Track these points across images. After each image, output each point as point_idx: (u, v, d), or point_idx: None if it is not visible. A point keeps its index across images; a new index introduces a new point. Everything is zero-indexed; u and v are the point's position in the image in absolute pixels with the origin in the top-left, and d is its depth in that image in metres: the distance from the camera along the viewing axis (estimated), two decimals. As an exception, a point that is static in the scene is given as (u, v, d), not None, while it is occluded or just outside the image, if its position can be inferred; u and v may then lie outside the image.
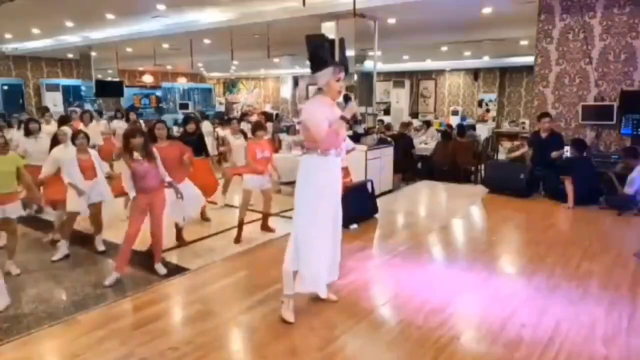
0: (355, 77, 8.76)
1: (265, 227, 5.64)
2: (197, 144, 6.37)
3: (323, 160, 2.95)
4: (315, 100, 3.01)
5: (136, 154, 4.26)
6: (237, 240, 5.26)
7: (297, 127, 5.63)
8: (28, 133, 6.31)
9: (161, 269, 4.41)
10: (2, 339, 3.05)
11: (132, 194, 4.28)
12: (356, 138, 8.07)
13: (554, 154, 6.26)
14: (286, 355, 2.70)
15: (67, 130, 5.83)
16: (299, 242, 3.01)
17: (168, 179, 4.49)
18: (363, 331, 2.92)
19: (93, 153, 5.22)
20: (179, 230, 5.28)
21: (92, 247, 5.16)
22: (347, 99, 3.03)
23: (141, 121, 10.65)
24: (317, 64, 2.98)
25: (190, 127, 6.40)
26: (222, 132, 12.26)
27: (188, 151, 5.20)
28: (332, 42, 8.48)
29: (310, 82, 20.95)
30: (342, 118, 2.93)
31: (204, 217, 6.28)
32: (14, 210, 4.38)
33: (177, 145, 5.15)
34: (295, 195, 3.05)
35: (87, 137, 5.12)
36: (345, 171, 6.05)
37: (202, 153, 6.38)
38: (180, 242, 5.28)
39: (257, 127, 5.57)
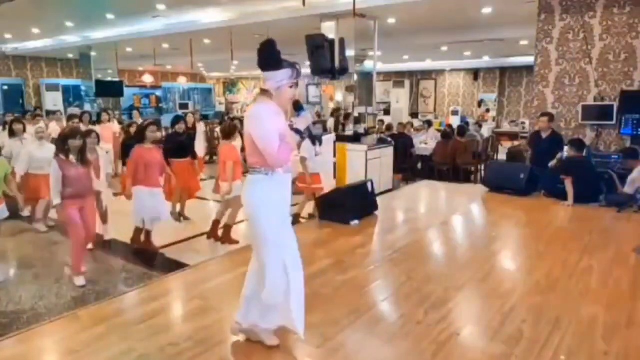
0: (355, 77, 8.76)
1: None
2: (185, 144, 6.38)
3: (272, 179, 2.48)
4: (262, 108, 2.47)
5: (72, 157, 4.18)
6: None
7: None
8: (12, 134, 6.35)
9: (79, 281, 4.27)
10: (2, 334, 3.05)
11: (56, 200, 4.13)
12: (356, 138, 8.10)
13: (552, 164, 6.26)
14: (286, 351, 2.69)
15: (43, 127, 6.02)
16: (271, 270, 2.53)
17: (98, 188, 4.48)
18: (363, 327, 2.92)
19: (101, 153, 5.26)
20: (147, 233, 5.14)
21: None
22: (299, 107, 2.71)
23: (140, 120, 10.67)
24: (269, 62, 2.51)
25: (180, 127, 6.39)
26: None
27: (165, 166, 5.21)
28: (332, 42, 8.56)
29: (310, 82, 20.98)
30: (295, 130, 2.57)
31: (184, 217, 6.41)
32: (1, 212, 4.43)
33: (158, 151, 5.10)
34: (252, 226, 2.56)
35: (98, 136, 5.22)
36: (317, 178, 6.03)
37: (189, 154, 6.37)
38: (149, 246, 5.14)
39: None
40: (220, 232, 5.46)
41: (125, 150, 5.91)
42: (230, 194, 5.22)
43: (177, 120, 6.57)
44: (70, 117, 8.93)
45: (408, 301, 3.27)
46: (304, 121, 2.63)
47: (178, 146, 6.19)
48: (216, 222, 5.48)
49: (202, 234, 5.72)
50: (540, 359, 2.54)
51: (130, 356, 2.63)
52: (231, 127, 5.65)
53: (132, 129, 6.40)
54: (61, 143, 4.17)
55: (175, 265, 4.67)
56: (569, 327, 2.86)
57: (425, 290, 3.44)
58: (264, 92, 2.53)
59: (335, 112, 11.57)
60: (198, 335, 2.83)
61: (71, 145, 4.15)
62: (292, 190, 2.68)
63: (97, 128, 8.11)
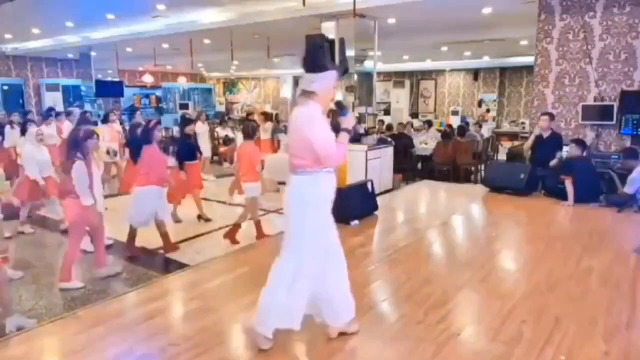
0: (355, 77, 8.77)
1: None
2: (195, 146, 6.40)
3: (321, 179, 2.54)
4: (314, 110, 2.49)
5: (87, 158, 4.16)
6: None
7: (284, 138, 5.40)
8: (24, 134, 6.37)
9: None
10: (2, 335, 3.06)
11: (90, 201, 4.10)
12: (356, 138, 8.09)
13: (552, 163, 6.27)
14: (286, 352, 2.69)
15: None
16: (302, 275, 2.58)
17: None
18: (363, 327, 2.91)
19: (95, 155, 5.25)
20: (165, 234, 5.11)
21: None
22: (342, 107, 2.70)
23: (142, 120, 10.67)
24: (317, 64, 2.53)
25: (190, 128, 6.41)
26: (222, 131, 12.34)
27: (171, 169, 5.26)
28: (332, 42, 8.50)
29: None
30: (346, 130, 2.59)
31: (205, 218, 6.32)
32: None
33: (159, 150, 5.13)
34: (292, 226, 2.59)
35: (97, 137, 5.21)
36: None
37: (196, 156, 6.38)
38: (171, 245, 5.12)
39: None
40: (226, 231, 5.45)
41: (132, 150, 5.94)
42: (258, 194, 5.25)
43: (187, 122, 6.55)
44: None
45: (408, 301, 3.27)
46: (351, 121, 2.65)
47: (190, 148, 6.24)
48: (258, 223, 5.41)
49: (202, 234, 5.73)
50: (540, 359, 2.54)
51: (130, 356, 2.63)
52: (253, 127, 5.64)
53: (138, 130, 6.40)
54: (79, 144, 4.12)
55: (175, 265, 4.67)
56: (569, 327, 2.86)
57: (425, 291, 3.44)
58: (309, 93, 2.52)
59: (331, 113, 11.55)
60: (198, 335, 2.83)
61: (89, 145, 4.18)
62: None
63: (105, 127, 8.15)
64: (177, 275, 4.04)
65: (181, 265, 4.61)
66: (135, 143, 5.81)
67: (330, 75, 2.53)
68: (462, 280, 3.67)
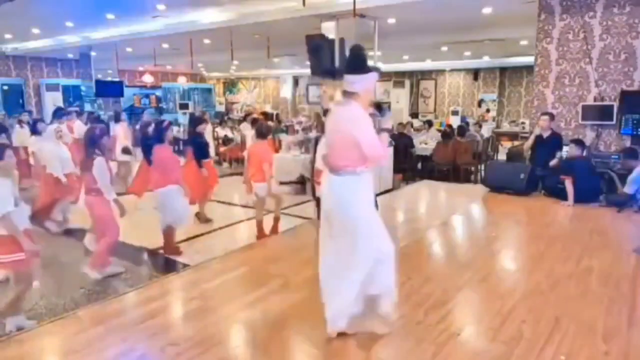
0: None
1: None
2: (207, 145, 6.52)
3: (364, 178, 2.62)
4: (360, 111, 2.56)
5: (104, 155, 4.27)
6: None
7: (321, 138, 5.47)
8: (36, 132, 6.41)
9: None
10: (2, 335, 3.06)
11: (113, 195, 4.25)
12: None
13: (552, 163, 6.27)
14: (285, 351, 2.70)
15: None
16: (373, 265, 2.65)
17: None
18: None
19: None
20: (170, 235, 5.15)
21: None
22: (381, 107, 2.76)
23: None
24: (360, 66, 2.62)
25: (202, 127, 6.49)
26: (221, 131, 12.35)
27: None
28: (332, 42, 8.54)
29: (310, 82, 20.97)
30: (387, 130, 2.67)
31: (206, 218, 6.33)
32: None
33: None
34: (350, 222, 2.63)
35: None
36: None
37: (209, 154, 6.52)
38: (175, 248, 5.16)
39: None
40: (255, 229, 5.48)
41: (144, 149, 5.98)
42: (265, 194, 5.33)
43: (199, 121, 6.62)
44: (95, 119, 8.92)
45: (408, 301, 3.26)
46: (389, 121, 2.75)
47: (204, 146, 6.33)
48: (260, 223, 5.46)
49: (202, 234, 5.73)
50: (540, 359, 2.54)
51: (130, 356, 2.64)
52: (267, 127, 5.73)
53: (149, 129, 6.43)
54: (97, 141, 4.24)
55: (175, 265, 4.67)
56: (569, 328, 2.86)
57: (425, 291, 3.44)
58: (351, 94, 2.60)
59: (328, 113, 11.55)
60: (198, 335, 2.83)
61: (106, 143, 4.30)
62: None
63: (117, 126, 8.16)
64: (177, 275, 4.04)
65: (181, 265, 4.62)
66: (147, 142, 5.87)
67: (372, 76, 2.64)
68: (462, 280, 3.67)
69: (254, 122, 9.47)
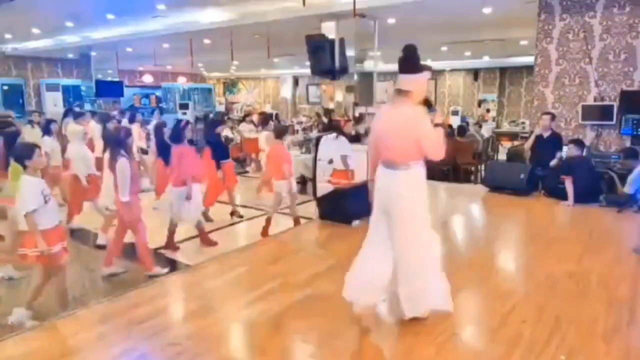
0: (355, 77, 8.76)
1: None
2: (226, 146, 6.75)
3: (423, 171, 2.76)
4: (419, 108, 2.69)
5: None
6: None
7: (322, 138, 5.72)
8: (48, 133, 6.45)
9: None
10: (2, 335, 3.05)
11: (126, 197, 4.25)
12: (357, 138, 8.09)
13: (553, 163, 6.27)
14: (285, 351, 2.70)
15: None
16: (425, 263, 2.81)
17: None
18: (363, 327, 2.92)
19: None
20: (202, 229, 5.34)
21: (93, 243, 5.23)
22: (430, 104, 2.85)
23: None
24: (415, 66, 2.73)
25: (221, 128, 6.72)
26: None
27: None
28: (332, 42, 8.53)
29: (310, 82, 20.97)
30: (441, 125, 2.77)
31: (238, 215, 6.50)
32: None
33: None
34: (414, 214, 2.77)
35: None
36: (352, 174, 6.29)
37: (229, 155, 6.68)
38: (210, 242, 5.31)
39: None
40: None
41: (162, 150, 6.05)
42: (286, 192, 5.51)
43: (218, 122, 6.91)
44: (107, 118, 8.88)
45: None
46: (440, 116, 2.85)
47: (224, 147, 6.52)
48: (270, 220, 5.61)
49: (208, 233, 5.73)
50: (540, 359, 2.54)
51: (130, 356, 2.63)
52: (284, 128, 6.01)
53: (164, 129, 6.49)
54: (121, 142, 4.33)
55: (175, 265, 4.67)
56: (569, 327, 2.86)
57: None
58: (404, 93, 2.71)
59: (328, 113, 11.59)
60: (198, 335, 2.83)
61: (129, 144, 4.38)
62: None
63: (133, 127, 8.18)
64: (177, 275, 4.04)
65: (181, 265, 4.62)
66: (163, 142, 5.94)
67: (425, 75, 2.76)
68: (462, 280, 3.66)
69: (264, 121, 9.49)
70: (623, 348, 2.64)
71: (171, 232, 5.11)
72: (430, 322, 2.95)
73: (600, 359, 2.56)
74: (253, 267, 4.05)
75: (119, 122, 8.62)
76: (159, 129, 6.58)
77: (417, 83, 2.72)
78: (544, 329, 2.84)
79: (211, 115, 11.74)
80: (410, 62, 2.73)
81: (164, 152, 5.69)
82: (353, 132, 8.19)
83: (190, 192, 4.91)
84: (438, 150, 2.67)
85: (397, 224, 2.76)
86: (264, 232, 5.42)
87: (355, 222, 5.18)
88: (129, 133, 4.59)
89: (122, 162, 4.22)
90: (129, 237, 5.13)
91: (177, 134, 5.10)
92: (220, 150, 6.33)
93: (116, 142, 4.34)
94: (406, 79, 2.72)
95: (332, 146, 5.65)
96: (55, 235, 3.49)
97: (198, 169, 5.15)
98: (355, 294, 2.89)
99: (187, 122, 5.29)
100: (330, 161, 6.28)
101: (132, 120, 8.84)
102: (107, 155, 4.42)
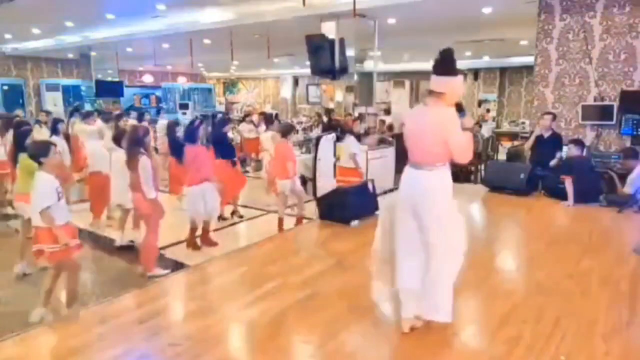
0: (355, 77, 8.77)
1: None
2: (233, 147, 6.81)
3: (448, 172, 2.77)
4: (448, 110, 2.70)
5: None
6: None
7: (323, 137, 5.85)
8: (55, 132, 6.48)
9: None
10: (2, 335, 3.05)
11: (153, 194, 4.36)
12: (357, 138, 8.09)
13: (553, 163, 6.28)
14: (286, 351, 2.70)
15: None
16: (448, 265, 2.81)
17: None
18: (363, 327, 2.92)
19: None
20: (206, 230, 5.35)
21: (93, 244, 5.24)
22: (461, 108, 2.85)
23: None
24: (452, 68, 2.77)
25: (228, 128, 6.78)
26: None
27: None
28: (332, 42, 8.54)
29: (310, 82, 20.97)
30: (469, 129, 2.81)
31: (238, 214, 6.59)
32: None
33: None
34: (445, 211, 2.77)
35: None
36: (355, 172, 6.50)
37: (236, 154, 6.75)
38: (210, 242, 5.33)
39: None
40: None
41: (175, 149, 6.09)
42: (289, 191, 5.60)
43: (225, 122, 6.97)
44: (118, 117, 8.87)
45: (408, 301, 3.26)
46: (470, 121, 2.91)
47: (232, 147, 6.61)
48: (281, 220, 5.71)
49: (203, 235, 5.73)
50: (540, 359, 2.54)
51: (130, 356, 2.63)
52: (290, 126, 6.10)
53: (177, 128, 6.52)
54: (141, 141, 4.40)
55: (175, 265, 4.67)
56: (569, 328, 2.86)
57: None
58: (437, 94, 2.73)
59: (329, 112, 11.60)
60: (198, 335, 2.82)
61: (147, 142, 4.46)
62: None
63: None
64: (177, 275, 4.04)
65: (181, 265, 4.62)
66: (175, 141, 5.97)
67: (460, 79, 2.79)
68: (462, 280, 3.65)
69: (267, 120, 9.52)
70: (623, 348, 2.64)
71: (193, 230, 5.18)
72: (430, 322, 2.95)
73: (600, 359, 2.56)
74: (253, 267, 4.05)
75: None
76: (172, 127, 6.60)
77: (451, 85, 2.74)
78: (544, 329, 2.84)
79: (219, 115, 11.75)
80: (446, 64, 2.76)
81: (176, 150, 5.72)
82: (362, 131, 8.25)
83: (205, 191, 4.97)
84: (465, 153, 2.70)
85: (423, 223, 2.77)
86: (280, 231, 5.57)
87: (354, 223, 5.19)
88: (147, 132, 4.64)
89: (144, 160, 4.30)
90: (130, 236, 5.16)
91: (192, 134, 5.13)
92: (228, 150, 6.35)
93: (136, 141, 4.40)
94: (440, 80, 2.73)
95: (330, 146, 5.73)
96: (67, 232, 3.55)
97: (212, 169, 5.18)
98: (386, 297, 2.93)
99: (201, 122, 5.36)
100: (338, 159, 6.42)
101: (140, 119, 8.87)
102: (119, 154, 4.45)
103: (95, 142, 5.85)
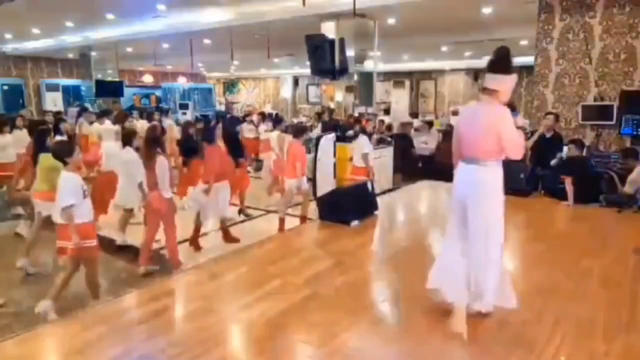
0: (355, 77, 8.77)
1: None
2: (242, 145, 6.79)
3: (500, 168, 2.83)
4: (502, 107, 2.76)
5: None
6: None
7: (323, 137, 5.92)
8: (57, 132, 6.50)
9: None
10: (3, 335, 3.06)
11: (169, 193, 4.46)
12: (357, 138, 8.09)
13: (553, 163, 6.28)
14: (285, 352, 2.70)
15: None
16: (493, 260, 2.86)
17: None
18: (363, 327, 2.92)
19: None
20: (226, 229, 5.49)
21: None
22: (514, 108, 2.92)
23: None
24: (507, 66, 2.81)
25: (239, 127, 6.74)
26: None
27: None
28: (332, 42, 8.54)
29: (310, 82, 20.96)
30: (522, 128, 2.89)
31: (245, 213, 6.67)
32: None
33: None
34: (484, 214, 2.79)
35: None
36: (363, 170, 6.53)
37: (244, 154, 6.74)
38: (233, 239, 5.45)
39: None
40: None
41: (187, 150, 6.10)
42: (296, 190, 5.68)
43: (238, 121, 7.02)
44: (124, 117, 8.88)
45: (407, 302, 3.26)
46: (522, 119, 2.91)
47: (241, 147, 6.59)
48: (282, 220, 5.75)
49: (203, 235, 5.72)
50: (540, 359, 2.54)
51: (130, 357, 2.63)
52: (302, 127, 6.15)
53: (191, 129, 6.52)
54: (158, 140, 4.51)
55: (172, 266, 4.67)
56: (569, 328, 2.86)
57: (425, 291, 3.44)
58: (492, 91, 2.79)
59: (330, 112, 11.60)
60: (198, 335, 2.82)
61: (164, 142, 4.63)
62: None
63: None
64: (178, 275, 4.04)
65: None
66: (189, 142, 5.99)
67: (514, 77, 2.82)
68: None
69: (276, 120, 9.51)
70: (623, 348, 2.64)
71: (197, 228, 5.22)
72: (430, 322, 2.95)
73: (600, 359, 2.56)
74: (253, 268, 4.04)
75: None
76: (186, 128, 6.59)
77: (506, 84, 2.78)
78: (544, 329, 2.85)
79: (229, 115, 11.78)
80: (502, 62, 2.81)
81: (190, 151, 5.77)
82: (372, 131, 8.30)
83: (217, 190, 5.03)
84: (518, 149, 2.76)
85: (471, 216, 2.82)
86: (281, 229, 5.62)
87: (354, 223, 5.18)
88: (164, 132, 4.70)
89: (161, 160, 4.38)
90: (134, 236, 5.17)
91: (210, 134, 5.20)
92: (238, 149, 6.36)
93: (152, 141, 4.48)
94: (495, 78, 2.78)
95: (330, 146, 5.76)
96: (92, 229, 3.69)
97: (227, 168, 5.25)
98: (436, 284, 2.97)
99: (217, 122, 5.46)
100: (350, 159, 6.46)
101: (149, 120, 8.91)
102: (133, 154, 4.56)
103: (112, 143, 5.89)
